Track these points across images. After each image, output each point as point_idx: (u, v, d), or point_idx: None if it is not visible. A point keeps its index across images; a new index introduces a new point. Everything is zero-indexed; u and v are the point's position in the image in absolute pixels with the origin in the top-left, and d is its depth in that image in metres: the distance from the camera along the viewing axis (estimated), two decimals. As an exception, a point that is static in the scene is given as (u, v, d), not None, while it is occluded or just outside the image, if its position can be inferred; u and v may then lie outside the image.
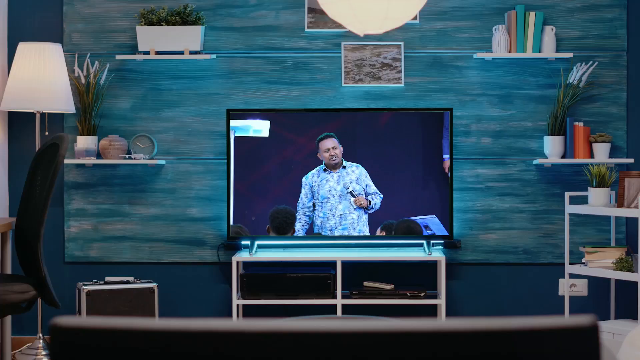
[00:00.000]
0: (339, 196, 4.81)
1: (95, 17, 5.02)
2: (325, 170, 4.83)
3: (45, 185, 3.40)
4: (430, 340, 1.06)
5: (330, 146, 4.83)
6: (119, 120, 5.03)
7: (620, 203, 4.51)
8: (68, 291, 4.94)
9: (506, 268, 5.00)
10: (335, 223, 4.80)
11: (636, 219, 4.79)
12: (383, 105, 4.96)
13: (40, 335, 4.83)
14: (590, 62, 4.91)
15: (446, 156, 4.79)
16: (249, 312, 4.95)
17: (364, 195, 4.80)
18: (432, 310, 4.91)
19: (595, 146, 4.84)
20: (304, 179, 4.83)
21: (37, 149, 4.33)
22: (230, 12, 5.01)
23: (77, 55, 5.00)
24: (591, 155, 4.88)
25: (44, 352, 4.76)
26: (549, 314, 4.97)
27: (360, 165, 4.83)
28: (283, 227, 4.82)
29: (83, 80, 4.94)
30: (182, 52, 4.91)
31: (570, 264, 4.75)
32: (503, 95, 4.97)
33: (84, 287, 4.68)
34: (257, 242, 4.85)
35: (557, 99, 4.90)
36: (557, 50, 4.92)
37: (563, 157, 4.88)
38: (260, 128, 4.87)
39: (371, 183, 4.81)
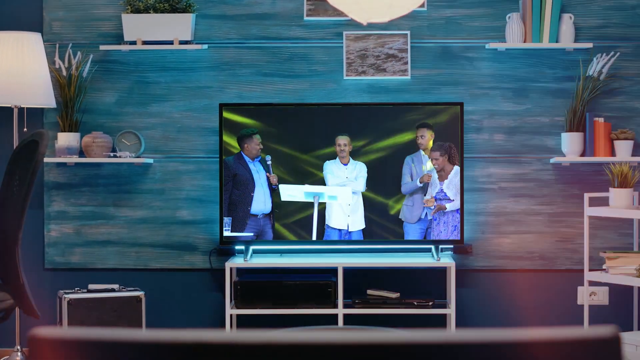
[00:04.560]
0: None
1: (77, 5, 5.02)
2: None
3: (23, 186, 3.40)
4: (438, 353, 1.07)
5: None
6: (103, 116, 5.03)
7: (643, 205, 4.51)
8: (48, 300, 4.94)
9: (521, 275, 5.00)
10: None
11: (661, 222, 4.80)
12: (388, 99, 4.96)
13: (19, 347, 4.84)
14: (612, 53, 4.91)
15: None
16: (243, 322, 4.96)
17: None
18: (440, 321, 4.91)
19: (617, 143, 4.85)
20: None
21: (14, 147, 4.34)
22: (223, -1, 5.01)
23: (58, 46, 5.00)
24: (612, 153, 4.88)
25: (22, 366, 4.76)
26: (567, 325, 4.98)
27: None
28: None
29: (64, 73, 4.94)
30: (171, 42, 4.91)
31: (590, 270, 4.75)
32: (517, 88, 4.97)
33: (66, 296, 4.68)
34: (252, 247, 4.86)
35: (576, 93, 4.90)
36: (576, 40, 4.92)
37: (582, 155, 4.89)
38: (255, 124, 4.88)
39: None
